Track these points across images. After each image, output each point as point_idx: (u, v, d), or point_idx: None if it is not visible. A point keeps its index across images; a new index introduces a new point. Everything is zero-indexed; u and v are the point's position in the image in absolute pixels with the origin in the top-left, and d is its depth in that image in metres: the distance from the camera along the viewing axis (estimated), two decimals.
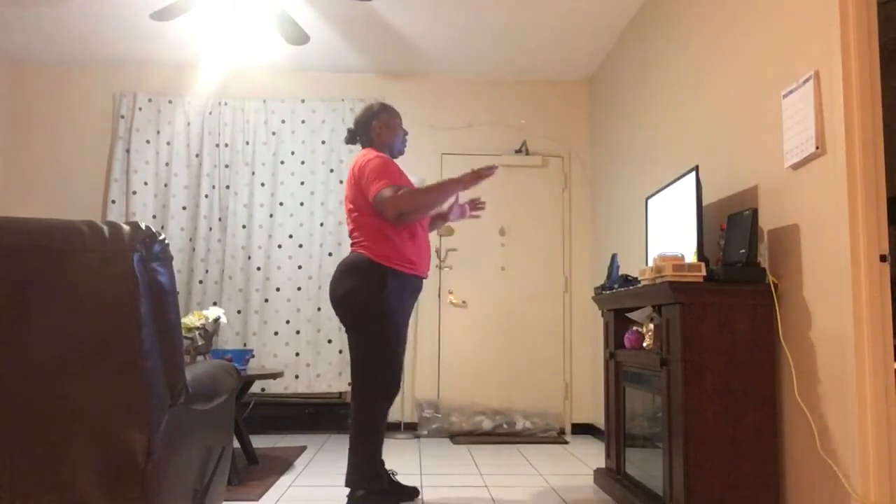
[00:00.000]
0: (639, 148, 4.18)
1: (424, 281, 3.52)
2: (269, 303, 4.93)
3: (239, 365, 3.71)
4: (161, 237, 1.57)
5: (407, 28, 4.52)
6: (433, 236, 5.11)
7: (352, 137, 3.02)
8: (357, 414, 2.75)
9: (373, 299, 2.71)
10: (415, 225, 2.85)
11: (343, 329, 4.92)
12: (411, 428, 4.95)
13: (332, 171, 5.09)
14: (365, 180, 2.76)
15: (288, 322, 4.92)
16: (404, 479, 3.47)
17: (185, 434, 1.70)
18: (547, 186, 5.30)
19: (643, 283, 2.78)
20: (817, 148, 2.31)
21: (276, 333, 4.90)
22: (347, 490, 3.21)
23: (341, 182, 5.08)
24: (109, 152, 5.14)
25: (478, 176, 2.73)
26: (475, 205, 3.12)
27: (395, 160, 2.97)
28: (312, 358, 4.90)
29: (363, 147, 2.99)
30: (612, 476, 3.20)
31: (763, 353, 2.49)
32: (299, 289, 4.97)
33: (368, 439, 2.73)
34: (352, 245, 2.85)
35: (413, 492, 2.99)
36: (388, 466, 3.35)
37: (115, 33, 4.67)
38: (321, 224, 5.04)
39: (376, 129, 2.95)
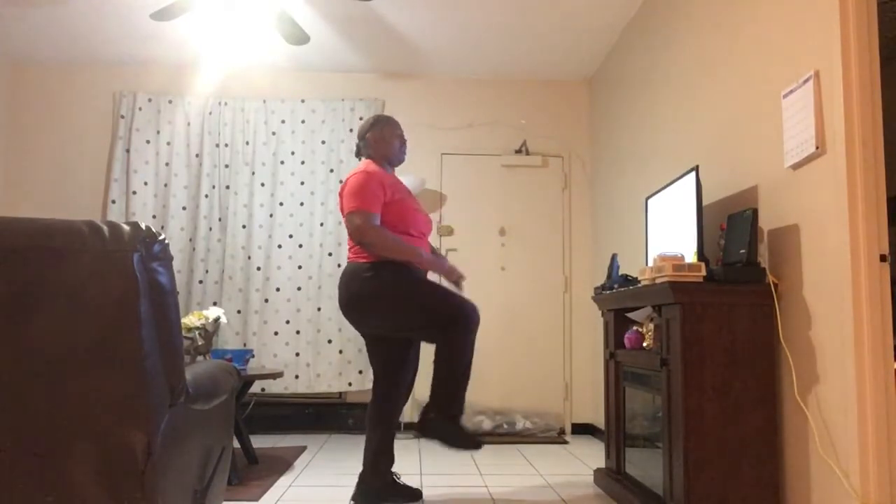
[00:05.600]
0: (639, 148, 4.18)
1: None
2: (269, 303, 4.93)
3: (239, 365, 3.71)
4: (161, 237, 1.57)
5: (407, 28, 4.52)
6: (433, 236, 5.11)
7: (357, 151, 3.12)
8: (444, 347, 2.76)
9: (374, 285, 2.76)
10: (407, 234, 2.89)
11: (342, 329, 4.93)
12: (412, 428, 4.95)
13: (332, 171, 5.09)
14: (345, 195, 2.83)
15: (288, 322, 4.92)
16: (405, 479, 3.47)
17: (185, 434, 1.70)
18: (547, 186, 5.30)
19: (643, 283, 2.78)
20: (817, 148, 2.31)
21: (276, 333, 4.90)
22: (349, 489, 3.22)
23: (341, 182, 5.07)
24: (109, 152, 5.14)
25: (448, 273, 2.94)
26: (457, 280, 3.07)
27: (393, 168, 3.07)
28: (312, 358, 4.90)
29: (364, 157, 3.08)
30: (612, 476, 3.21)
31: (763, 353, 2.49)
32: (299, 289, 4.97)
33: (465, 373, 2.77)
34: (349, 249, 2.91)
35: (417, 494, 2.99)
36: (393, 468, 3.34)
37: (115, 33, 4.67)
38: (321, 224, 5.04)
39: (371, 141, 3.02)
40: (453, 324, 2.73)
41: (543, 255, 5.23)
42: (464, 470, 3.74)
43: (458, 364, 2.75)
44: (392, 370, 2.97)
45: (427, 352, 5.09)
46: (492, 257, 5.20)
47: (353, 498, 2.91)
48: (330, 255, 5.01)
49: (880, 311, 2.14)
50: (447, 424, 2.75)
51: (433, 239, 5.11)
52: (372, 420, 2.94)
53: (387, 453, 2.91)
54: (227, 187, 5.05)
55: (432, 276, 3.12)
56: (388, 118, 3.07)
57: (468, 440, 2.75)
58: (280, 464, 3.80)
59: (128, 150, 5.05)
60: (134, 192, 4.99)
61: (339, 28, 4.53)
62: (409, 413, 4.99)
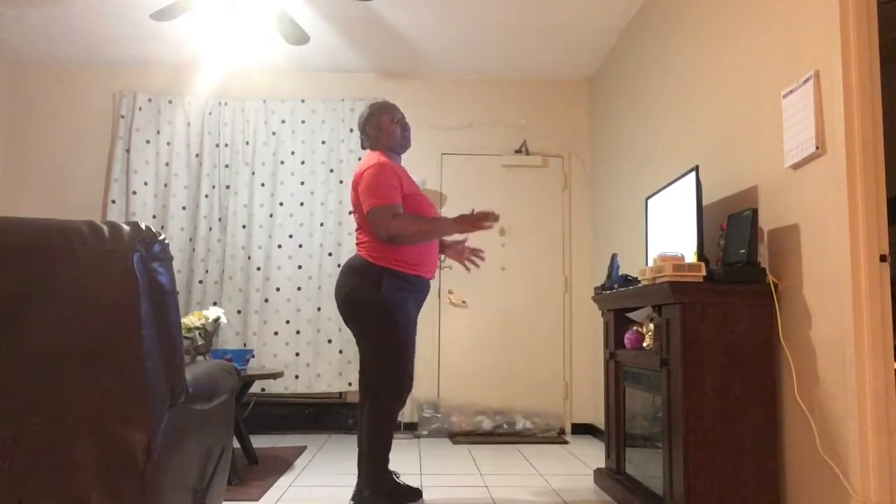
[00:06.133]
0: (639, 148, 4.18)
1: None
2: (269, 303, 4.93)
3: (239, 365, 3.71)
4: (161, 237, 1.57)
5: (407, 28, 4.52)
6: None
7: (361, 143, 3.03)
8: (367, 414, 2.77)
9: (370, 299, 2.72)
10: None
11: (342, 329, 4.93)
12: (411, 428, 4.95)
13: (332, 171, 5.09)
14: (361, 191, 2.76)
15: (288, 322, 4.92)
16: (405, 479, 3.47)
17: (185, 434, 1.70)
18: (547, 186, 5.30)
19: (643, 283, 2.78)
20: (817, 148, 2.31)
21: (276, 333, 4.90)
22: (349, 490, 3.22)
23: (341, 182, 5.08)
24: (109, 152, 5.14)
25: (477, 225, 2.75)
26: (475, 253, 3.07)
27: (399, 156, 2.96)
28: (312, 358, 4.90)
29: (369, 149, 2.98)
30: (612, 476, 3.21)
31: (763, 353, 2.49)
32: (299, 289, 4.97)
33: (376, 440, 2.74)
34: (356, 246, 2.87)
35: (417, 493, 2.99)
36: (391, 468, 3.35)
37: (115, 33, 4.67)
38: (321, 224, 5.04)
39: (370, 133, 2.93)
40: (390, 381, 2.72)
41: (543, 255, 5.23)
42: (464, 470, 3.74)
43: (382, 432, 2.73)
44: None
45: (426, 347, 5.09)
46: (492, 257, 5.19)
47: (353, 498, 2.90)
48: (330, 255, 5.01)
49: (880, 311, 2.14)
50: (382, 499, 2.74)
51: None
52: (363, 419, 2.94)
53: None
54: (227, 187, 5.05)
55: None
56: (384, 105, 2.94)
57: (409, 495, 2.87)
58: (280, 464, 3.80)
59: (128, 150, 5.05)
60: (134, 192, 4.99)
61: (339, 28, 4.53)
62: (410, 412, 4.99)
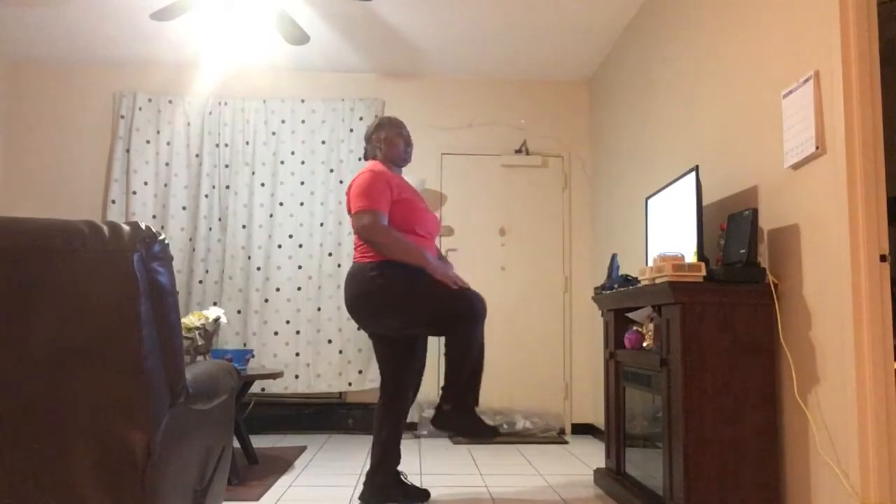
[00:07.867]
0: (639, 148, 4.18)
1: None
2: (269, 303, 4.93)
3: (239, 365, 3.71)
4: (161, 237, 1.57)
5: (407, 28, 4.52)
6: None
7: (365, 154, 3.16)
8: (452, 342, 2.76)
9: (384, 284, 2.76)
10: (414, 233, 2.90)
11: (342, 329, 4.93)
12: (411, 428, 4.95)
13: (331, 171, 5.09)
14: (352, 195, 2.85)
15: (288, 322, 4.92)
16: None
17: (185, 434, 1.70)
18: (547, 186, 5.30)
19: (643, 283, 2.78)
20: (817, 148, 2.31)
21: (276, 333, 4.90)
22: (349, 489, 3.23)
23: (341, 182, 5.08)
24: (109, 152, 5.13)
25: (445, 277, 2.77)
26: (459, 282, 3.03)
27: (399, 168, 3.08)
28: (312, 358, 4.89)
29: (371, 159, 3.11)
30: (612, 476, 3.21)
31: (763, 353, 2.49)
32: (299, 289, 4.97)
33: (466, 360, 2.75)
34: (355, 251, 2.92)
35: (424, 494, 3.00)
36: (400, 468, 3.33)
37: (115, 33, 4.67)
38: (321, 224, 5.04)
39: (376, 144, 3.07)
40: (458, 318, 2.74)
41: (543, 255, 5.23)
42: (464, 470, 3.74)
43: (468, 356, 2.75)
44: (400, 370, 2.98)
45: (434, 348, 5.08)
46: (492, 257, 5.20)
47: (362, 496, 2.91)
48: (330, 255, 5.01)
49: (880, 311, 2.14)
50: (462, 416, 2.76)
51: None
52: (380, 419, 2.95)
53: (394, 451, 2.93)
54: (227, 187, 5.05)
55: None
56: (391, 119, 3.09)
57: (484, 429, 2.78)
58: (280, 464, 3.80)
59: (128, 150, 5.05)
60: (134, 192, 4.99)
61: (339, 28, 4.53)
62: (410, 412, 4.98)
